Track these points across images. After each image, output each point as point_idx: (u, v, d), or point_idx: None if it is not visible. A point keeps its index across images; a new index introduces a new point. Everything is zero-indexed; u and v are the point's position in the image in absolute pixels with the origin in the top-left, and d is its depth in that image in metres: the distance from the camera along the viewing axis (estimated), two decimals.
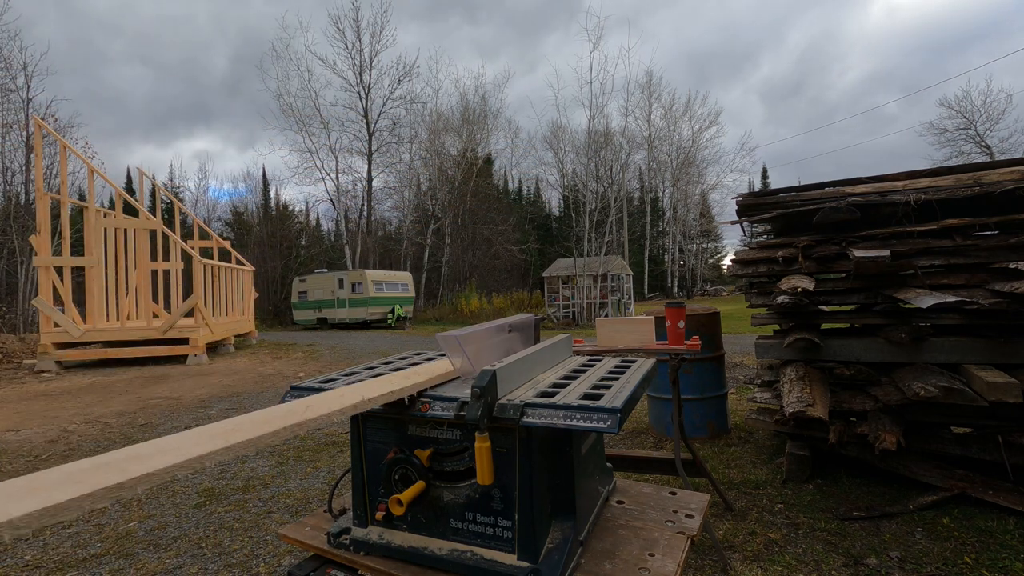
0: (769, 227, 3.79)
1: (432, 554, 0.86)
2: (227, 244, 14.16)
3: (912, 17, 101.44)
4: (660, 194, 40.64)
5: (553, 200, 44.41)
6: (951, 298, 2.59)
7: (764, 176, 50.37)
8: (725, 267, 41.53)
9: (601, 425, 0.75)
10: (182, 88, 68.87)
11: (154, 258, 11.92)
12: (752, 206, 3.69)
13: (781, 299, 3.02)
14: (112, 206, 16.33)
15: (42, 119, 17.11)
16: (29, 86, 24.43)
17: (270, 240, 34.20)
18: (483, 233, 33.12)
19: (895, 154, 56.51)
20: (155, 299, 12.34)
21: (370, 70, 30.55)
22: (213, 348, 11.71)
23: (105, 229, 10.57)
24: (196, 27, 66.90)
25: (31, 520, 0.45)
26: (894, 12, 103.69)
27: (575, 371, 1.04)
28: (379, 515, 0.90)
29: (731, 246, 47.09)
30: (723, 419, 4.32)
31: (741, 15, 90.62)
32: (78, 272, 11.27)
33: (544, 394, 0.85)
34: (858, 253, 2.88)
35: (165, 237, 10.87)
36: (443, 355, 1.10)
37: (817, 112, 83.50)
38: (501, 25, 75.12)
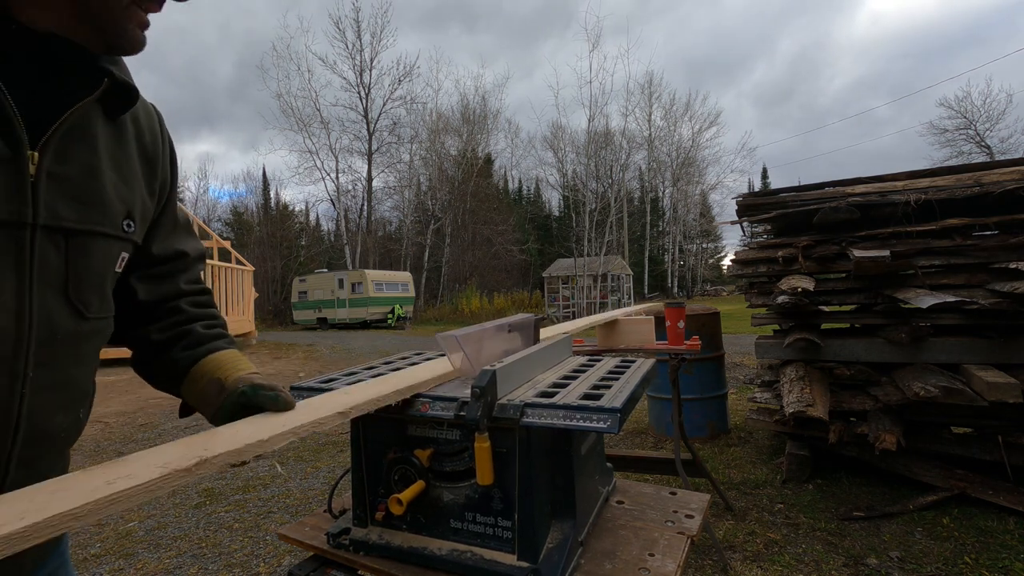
0: (769, 227, 3.79)
1: (432, 554, 0.86)
2: (227, 244, 14.15)
3: (897, 24, 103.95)
4: (660, 194, 40.59)
5: (553, 200, 44.44)
6: (951, 298, 2.59)
7: (764, 176, 50.38)
8: (725, 267, 41.51)
9: (601, 425, 0.75)
10: (187, 92, 69.06)
11: None
12: (752, 206, 3.69)
13: (781, 299, 3.02)
14: None
15: None
16: None
17: (270, 240, 34.20)
18: (483, 233, 33.10)
19: (889, 156, 57.11)
20: None
21: (370, 70, 30.59)
22: None
23: None
24: (202, 33, 67.33)
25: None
26: (879, 19, 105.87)
27: (575, 371, 1.04)
28: (379, 515, 0.90)
29: (731, 246, 47.07)
30: (723, 419, 4.31)
31: (732, 24, 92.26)
32: None
33: (544, 394, 0.85)
34: (858, 253, 2.88)
35: None
36: (443, 355, 1.10)
37: (810, 116, 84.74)
38: (499, 33, 75.89)
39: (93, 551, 2.70)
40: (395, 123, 31.58)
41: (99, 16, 0.59)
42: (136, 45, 0.64)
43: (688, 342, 2.51)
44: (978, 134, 30.75)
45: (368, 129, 30.83)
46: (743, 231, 4.51)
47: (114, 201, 0.67)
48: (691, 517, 1.02)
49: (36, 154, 0.57)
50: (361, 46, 30.44)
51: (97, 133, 0.65)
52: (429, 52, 70.26)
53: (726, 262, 41.61)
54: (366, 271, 22.86)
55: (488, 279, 31.84)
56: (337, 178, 31.03)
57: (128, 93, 0.68)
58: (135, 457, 0.54)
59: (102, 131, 0.66)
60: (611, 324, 2.46)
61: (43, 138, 0.58)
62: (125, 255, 0.72)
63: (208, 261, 11.38)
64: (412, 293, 25.35)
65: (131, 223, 0.71)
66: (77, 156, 0.62)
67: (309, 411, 0.71)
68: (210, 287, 0.93)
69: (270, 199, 40.56)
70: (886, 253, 2.79)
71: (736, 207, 3.79)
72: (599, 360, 1.15)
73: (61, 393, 0.65)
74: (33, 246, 0.58)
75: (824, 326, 3.40)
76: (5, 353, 0.57)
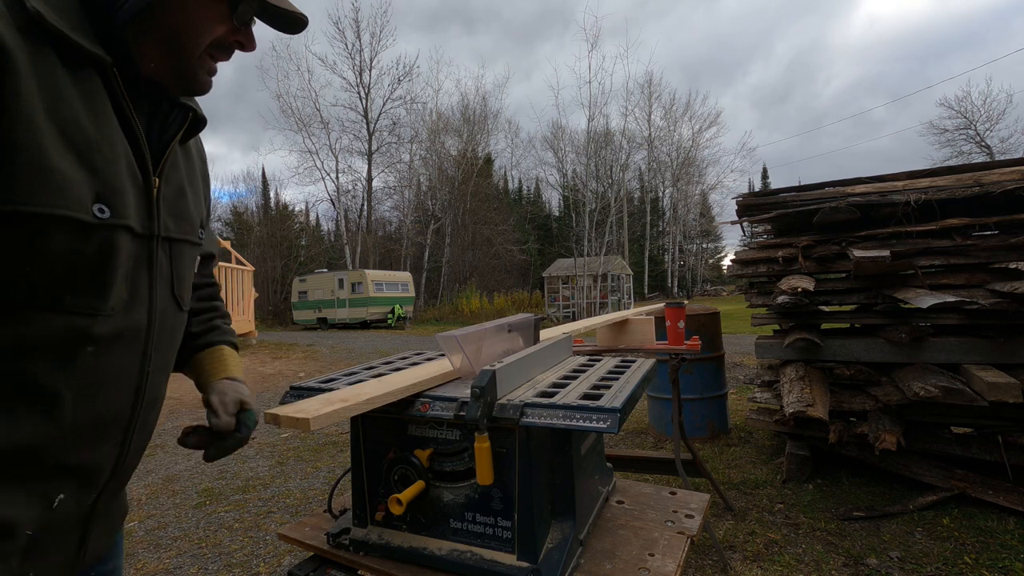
0: (769, 227, 3.79)
1: (432, 554, 0.86)
2: (227, 244, 14.14)
3: (892, 26, 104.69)
4: (660, 194, 40.55)
5: (553, 200, 44.43)
6: (951, 298, 2.59)
7: (764, 176, 50.38)
8: (725, 267, 41.46)
9: (601, 425, 0.75)
10: None
11: None
12: (752, 206, 3.69)
13: (781, 299, 3.02)
14: None
15: None
16: None
17: (270, 240, 34.19)
18: (483, 233, 33.08)
19: (888, 156, 57.39)
20: None
21: (370, 70, 30.53)
22: None
23: None
24: None
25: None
26: (875, 22, 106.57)
27: (575, 371, 1.04)
28: (379, 515, 0.90)
29: (731, 246, 47.03)
30: (723, 419, 4.31)
31: (729, 27, 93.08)
32: None
33: (544, 394, 0.85)
34: (858, 253, 2.88)
35: None
36: (443, 355, 1.10)
37: (809, 118, 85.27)
38: (498, 35, 76.40)
39: None
40: (395, 123, 31.51)
41: (179, 64, 0.72)
42: (204, 88, 0.76)
43: (688, 342, 2.51)
44: (978, 134, 30.71)
45: (368, 129, 30.78)
46: (743, 231, 4.51)
47: (193, 214, 0.82)
48: (691, 517, 1.02)
49: (158, 179, 0.72)
50: (361, 46, 30.38)
51: (179, 158, 0.80)
52: (429, 52, 70.61)
53: (726, 262, 41.56)
54: (366, 271, 22.83)
55: (488, 279, 31.82)
56: (337, 178, 30.99)
57: (201, 125, 0.82)
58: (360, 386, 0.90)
59: (180, 155, 0.81)
60: (611, 323, 2.46)
61: (159, 166, 0.72)
62: (198, 257, 0.87)
63: None
64: (412, 293, 25.32)
65: (202, 231, 0.86)
66: (173, 178, 0.77)
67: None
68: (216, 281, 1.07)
69: (270, 199, 40.57)
70: (886, 253, 2.79)
71: (736, 207, 3.79)
72: (599, 360, 1.15)
73: (164, 371, 0.81)
74: (156, 253, 0.72)
75: (824, 326, 3.40)
76: (140, 339, 0.71)
